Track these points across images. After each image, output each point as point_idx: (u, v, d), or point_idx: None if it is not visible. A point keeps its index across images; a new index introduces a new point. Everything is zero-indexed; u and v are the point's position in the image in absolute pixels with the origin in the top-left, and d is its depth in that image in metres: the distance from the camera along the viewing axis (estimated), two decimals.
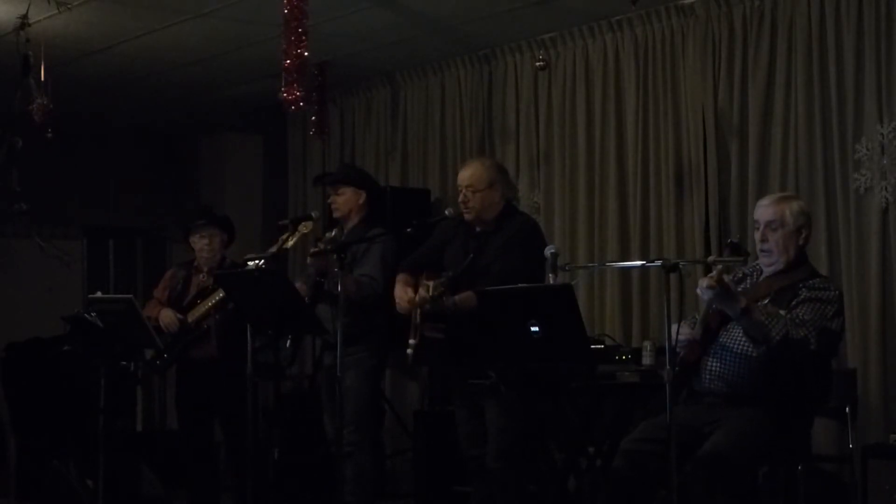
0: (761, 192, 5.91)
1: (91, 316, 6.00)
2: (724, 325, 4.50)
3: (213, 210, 6.76)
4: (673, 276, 4.21)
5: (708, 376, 4.51)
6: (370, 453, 5.85)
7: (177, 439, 6.64)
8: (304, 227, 5.79)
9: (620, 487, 4.53)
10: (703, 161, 6.49)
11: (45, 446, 7.28)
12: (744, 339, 4.41)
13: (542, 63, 6.98)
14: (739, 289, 4.48)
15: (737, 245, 4.46)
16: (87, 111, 8.71)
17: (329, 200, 6.08)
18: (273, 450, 7.17)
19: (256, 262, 5.47)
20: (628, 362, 5.98)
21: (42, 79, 6.35)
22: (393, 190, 7.78)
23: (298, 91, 5.89)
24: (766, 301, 4.45)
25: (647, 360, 6.01)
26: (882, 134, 5.80)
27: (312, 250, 5.71)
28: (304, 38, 5.81)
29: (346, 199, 5.97)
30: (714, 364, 4.50)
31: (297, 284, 5.75)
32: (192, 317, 6.29)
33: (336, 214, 6.00)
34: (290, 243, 5.83)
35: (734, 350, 4.45)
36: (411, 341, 5.23)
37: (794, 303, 4.40)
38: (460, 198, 5.33)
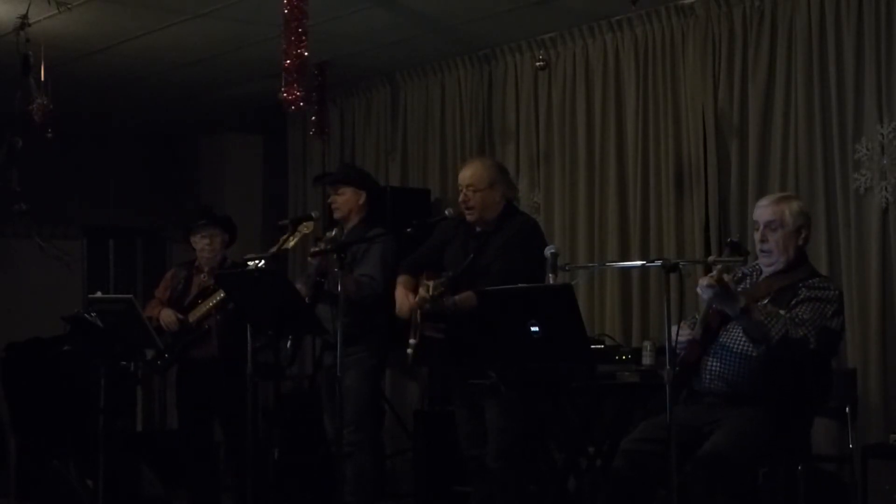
0: (761, 192, 5.91)
1: (91, 316, 6.00)
2: (724, 324, 4.50)
3: (213, 210, 6.76)
4: (673, 276, 4.21)
5: (708, 376, 4.51)
6: (370, 453, 5.85)
7: (177, 439, 6.64)
8: (305, 228, 5.79)
9: (620, 487, 4.53)
10: (703, 161, 6.49)
11: (45, 446, 7.28)
12: (744, 338, 4.41)
13: (542, 63, 6.98)
14: (739, 288, 4.48)
15: (737, 244, 4.46)
16: (87, 111, 8.71)
17: (329, 200, 6.08)
18: (273, 450, 7.16)
19: (256, 262, 5.48)
20: (628, 362, 5.98)
21: (42, 79, 6.34)
22: (393, 190, 7.78)
23: (298, 91, 5.89)
24: (766, 301, 4.45)
25: (647, 360, 6.01)
26: (882, 134, 5.80)
27: (313, 250, 5.72)
28: (304, 38, 5.81)
29: (346, 199, 5.97)
30: (714, 364, 4.50)
31: (297, 284, 5.75)
32: (193, 317, 6.29)
33: (336, 214, 6.00)
34: (291, 244, 5.83)
35: (734, 350, 4.45)
36: (411, 341, 5.23)
37: (793, 302, 4.40)
38: (461, 197, 5.33)
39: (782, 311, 4.35)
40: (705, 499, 4.26)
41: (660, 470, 4.34)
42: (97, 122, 9.22)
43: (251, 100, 8.51)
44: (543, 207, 7.24)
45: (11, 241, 9.02)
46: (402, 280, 5.43)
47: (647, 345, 6.09)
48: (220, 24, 6.78)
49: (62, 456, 6.94)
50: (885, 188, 5.79)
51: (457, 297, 5.12)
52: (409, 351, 5.24)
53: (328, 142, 8.54)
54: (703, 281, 4.30)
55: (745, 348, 4.41)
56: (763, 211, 4.56)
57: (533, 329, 4.43)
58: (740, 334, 4.42)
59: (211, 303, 6.25)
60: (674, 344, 4.32)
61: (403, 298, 5.32)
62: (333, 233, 5.73)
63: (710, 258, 4.85)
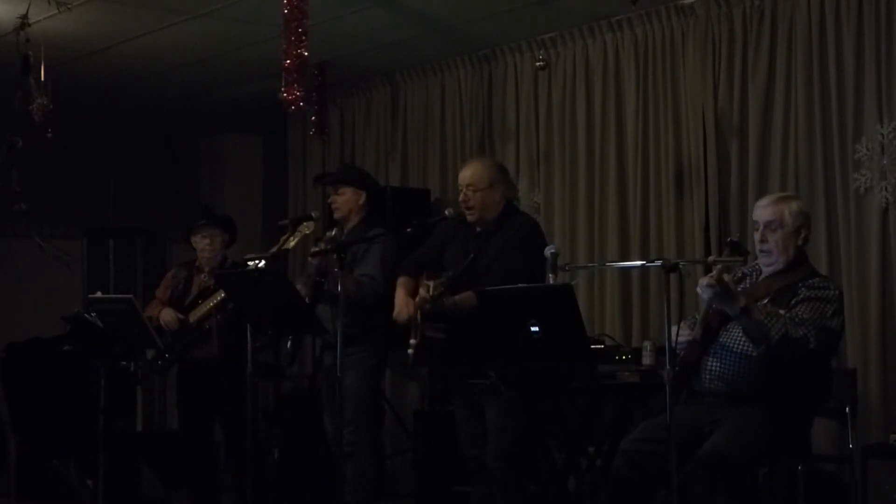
0: (761, 192, 5.91)
1: (91, 316, 6.00)
2: (724, 324, 4.50)
3: (213, 210, 6.76)
4: (673, 276, 4.21)
5: (708, 376, 4.51)
6: (370, 453, 5.85)
7: (177, 439, 6.64)
8: (306, 228, 5.79)
9: (620, 487, 4.53)
10: (703, 161, 6.49)
11: (45, 446, 7.28)
12: (744, 338, 4.41)
13: (542, 63, 6.98)
14: (739, 288, 4.48)
15: (736, 244, 4.46)
16: (87, 111, 8.71)
17: (329, 200, 6.08)
18: (273, 450, 7.17)
19: (256, 262, 5.48)
20: (628, 362, 5.98)
21: (42, 79, 6.34)
22: (393, 190, 7.78)
23: (298, 91, 5.89)
24: (766, 301, 4.45)
25: (647, 360, 6.01)
26: (882, 134, 5.80)
27: (313, 250, 5.72)
28: (304, 38, 5.81)
29: (346, 199, 5.97)
30: (714, 364, 4.50)
31: (297, 284, 5.75)
32: (193, 317, 6.29)
33: (336, 214, 6.00)
34: (292, 244, 5.83)
35: (734, 350, 4.45)
36: (412, 341, 5.23)
37: (793, 302, 4.40)
38: (461, 197, 5.33)
39: (782, 311, 4.35)
40: (705, 499, 4.26)
41: (660, 470, 4.34)
42: (97, 122, 9.22)
43: (251, 100, 8.51)
44: (543, 207, 7.24)
45: (11, 241, 9.02)
46: (402, 282, 5.43)
47: (647, 345, 6.10)
48: (220, 24, 6.78)
49: (62, 456, 6.94)
50: (885, 188, 5.79)
51: (457, 297, 5.12)
52: (410, 352, 5.24)
53: (328, 142, 8.54)
54: (703, 281, 4.30)
55: (745, 348, 4.41)
56: (763, 211, 4.56)
57: (533, 329, 4.43)
58: (740, 334, 4.42)
59: (211, 303, 6.25)
60: (674, 344, 4.32)
61: (403, 305, 5.31)
62: (333, 233, 5.73)
63: (710, 258, 4.85)
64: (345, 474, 5.75)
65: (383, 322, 5.72)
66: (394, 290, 5.46)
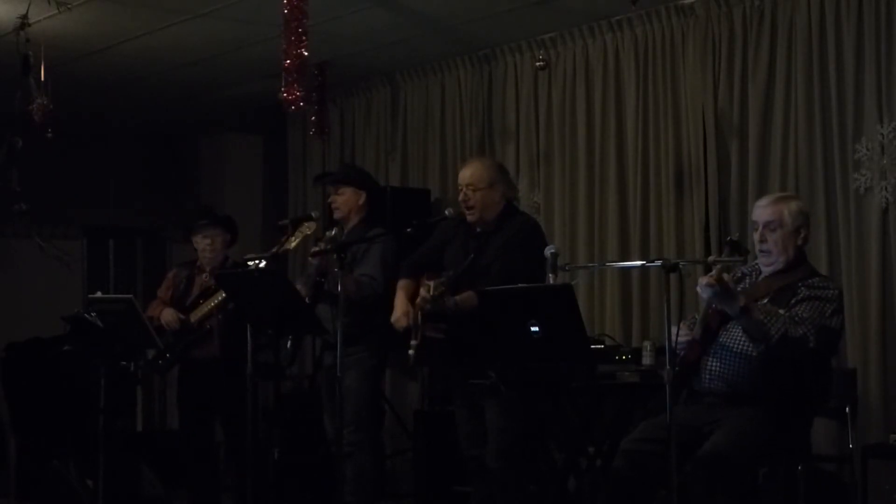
0: (761, 192, 5.91)
1: (91, 316, 6.00)
2: (723, 324, 4.50)
3: (214, 210, 6.76)
4: (673, 276, 4.21)
5: (708, 376, 4.51)
6: (370, 453, 5.85)
7: (177, 439, 6.64)
8: (307, 228, 5.79)
9: (620, 487, 4.53)
10: (703, 161, 6.49)
11: (45, 446, 7.28)
12: (743, 338, 4.41)
13: (542, 63, 6.98)
14: (739, 288, 4.48)
15: (736, 243, 4.46)
16: (87, 111, 8.71)
17: (329, 200, 6.08)
18: (273, 450, 7.16)
19: (256, 262, 5.48)
20: (628, 362, 5.98)
21: (42, 79, 6.34)
22: (393, 190, 7.78)
23: (298, 91, 5.89)
24: (766, 301, 4.45)
25: (647, 360, 6.01)
26: (882, 134, 5.80)
27: (313, 250, 5.72)
28: (304, 38, 5.81)
29: (346, 199, 5.97)
30: (714, 364, 4.50)
31: (297, 284, 5.75)
32: (194, 317, 6.29)
33: (336, 214, 6.00)
34: (293, 244, 5.83)
35: (734, 350, 4.45)
36: (413, 342, 5.23)
37: (793, 301, 4.40)
38: (461, 197, 5.33)
39: (782, 311, 4.35)
40: (705, 499, 4.26)
41: (660, 470, 4.34)
42: (97, 122, 9.22)
43: (251, 100, 8.51)
44: (543, 207, 7.24)
45: (11, 241, 9.02)
46: (402, 285, 5.42)
47: (647, 345, 6.10)
48: (220, 24, 6.78)
49: (62, 456, 6.93)
50: (885, 188, 5.79)
51: (458, 297, 5.12)
52: (411, 352, 5.24)
53: (328, 142, 8.54)
54: (703, 280, 4.30)
55: (745, 348, 4.41)
56: (762, 211, 4.56)
57: (533, 329, 4.43)
58: (740, 334, 4.42)
59: (212, 303, 6.25)
60: (674, 344, 4.32)
61: (402, 312, 5.31)
62: (333, 233, 5.72)
63: (710, 258, 4.86)
64: (345, 474, 5.75)
65: (383, 322, 5.72)
66: (394, 290, 5.46)
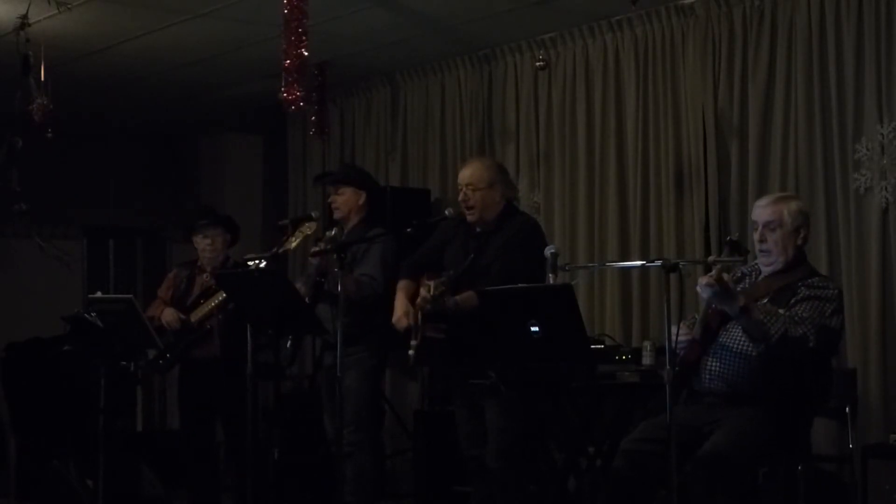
0: (761, 192, 5.91)
1: (91, 316, 6.00)
2: (723, 324, 4.50)
3: (215, 210, 6.76)
4: (673, 276, 4.21)
5: (708, 376, 4.51)
6: (370, 453, 5.85)
7: (177, 439, 6.64)
8: (308, 228, 5.79)
9: (620, 487, 4.53)
10: (703, 161, 6.49)
11: (45, 446, 7.28)
12: (743, 338, 4.41)
13: (542, 63, 6.98)
14: (738, 288, 4.48)
15: (736, 243, 4.45)
16: (87, 111, 8.71)
17: (329, 200, 6.08)
18: (273, 450, 7.16)
19: (257, 262, 5.48)
20: (628, 362, 5.98)
21: (42, 79, 6.34)
22: (393, 190, 7.78)
23: (298, 91, 5.89)
24: (766, 301, 4.45)
25: (647, 360, 6.01)
26: (882, 134, 5.80)
27: (313, 250, 5.72)
28: (304, 38, 5.81)
29: (346, 199, 5.97)
30: (714, 364, 4.50)
31: (297, 284, 5.75)
32: (195, 317, 6.29)
33: (336, 214, 6.00)
34: (294, 244, 5.82)
35: (734, 350, 4.45)
36: (413, 342, 5.23)
37: (792, 301, 4.40)
38: (460, 196, 5.33)
39: (781, 310, 4.35)
40: (705, 499, 4.26)
41: (660, 470, 4.34)
42: (97, 122, 9.22)
43: (251, 100, 8.51)
44: (543, 207, 7.24)
45: (11, 241, 9.02)
46: (402, 286, 5.42)
47: (647, 345, 6.10)
48: (220, 24, 6.78)
49: (62, 456, 6.93)
50: (885, 188, 5.79)
51: (458, 297, 5.12)
52: (411, 353, 5.24)
53: (328, 142, 8.54)
54: (703, 280, 4.31)
55: (745, 348, 4.41)
56: (761, 211, 4.56)
57: (533, 329, 4.43)
58: (740, 334, 4.42)
59: (213, 303, 6.25)
60: (674, 344, 4.32)
61: (402, 313, 5.30)
62: (333, 233, 5.72)
63: (710, 258, 4.85)
64: (345, 474, 5.75)
65: (383, 322, 5.72)
66: (394, 290, 5.46)
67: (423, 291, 5.21)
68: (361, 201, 5.98)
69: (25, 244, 8.84)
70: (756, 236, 4.55)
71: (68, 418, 7.74)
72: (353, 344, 5.61)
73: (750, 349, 4.39)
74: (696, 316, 4.65)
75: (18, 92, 6.36)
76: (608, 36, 6.96)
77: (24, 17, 6.27)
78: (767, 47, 6.25)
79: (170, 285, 6.56)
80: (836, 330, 4.42)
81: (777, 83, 6.21)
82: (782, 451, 4.50)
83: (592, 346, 5.78)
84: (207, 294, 6.31)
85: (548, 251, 4.67)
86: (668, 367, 4.18)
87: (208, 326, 6.28)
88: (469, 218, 5.33)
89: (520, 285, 4.74)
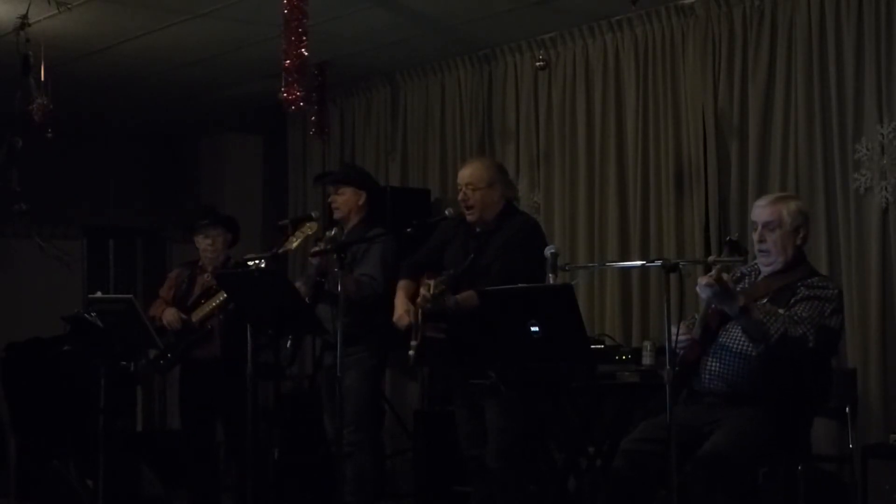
0: (761, 192, 5.91)
1: (91, 316, 6.00)
2: (723, 324, 4.50)
3: (216, 210, 6.76)
4: (673, 276, 4.21)
5: (707, 376, 4.51)
6: (370, 453, 5.85)
7: (177, 439, 6.64)
8: (308, 229, 5.79)
9: (620, 487, 4.53)
10: (703, 161, 6.49)
11: (45, 446, 7.28)
12: (743, 338, 4.41)
13: (542, 63, 6.98)
14: (738, 288, 4.48)
15: (736, 243, 4.45)
16: (87, 111, 8.71)
17: (329, 200, 6.08)
18: (273, 450, 7.17)
19: (257, 262, 5.48)
20: (628, 362, 5.98)
21: (42, 79, 6.34)
22: (393, 190, 7.78)
23: (298, 91, 5.89)
24: (765, 301, 4.45)
25: (647, 360, 6.01)
26: (882, 134, 5.80)
27: (313, 250, 5.72)
28: (304, 38, 5.81)
29: (346, 199, 5.97)
30: (714, 364, 4.50)
31: (297, 284, 5.75)
32: (196, 317, 6.29)
33: (336, 214, 6.00)
34: (294, 244, 5.82)
35: (734, 350, 4.45)
36: (413, 342, 5.23)
37: (792, 301, 4.40)
38: (460, 196, 5.33)
39: (781, 310, 4.35)
40: (705, 499, 4.26)
41: (660, 470, 4.34)
42: (97, 122, 9.22)
43: (251, 100, 8.51)
44: (543, 207, 7.24)
45: (11, 241, 9.02)
46: (402, 286, 5.42)
47: (647, 345, 6.10)
48: (220, 24, 6.78)
49: (62, 456, 6.93)
50: (885, 188, 5.79)
51: (459, 297, 5.12)
52: (411, 353, 5.24)
53: (328, 142, 8.54)
54: (703, 280, 4.31)
55: (745, 348, 4.41)
56: (761, 211, 4.56)
57: (533, 329, 4.43)
58: (740, 334, 4.42)
59: (214, 303, 6.25)
60: (674, 344, 4.32)
61: (403, 311, 5.30)
62: (333, 233, 5.72)
63: (710, 258, 4.86)
64: (345, 474, 5.75)
65: (383, 322, 5.72)
66: (394, 290, 5.46)
67: (423, 290, 5.21)
68: (361, 201, 5.98)
69: (25, 244, 8.84)
70: (755, 236, 4.55)
71: (68, 418, 7.73)
72: (353, 344, 5.61)
73: (750, 349, 4.39)
74: (696, 316, 4.65)
75: (18, 92, 6.36)
76: (608, 36, 6.96)
77: (24, 17, 6.27)
78: (767, 47, 6.25)
79: (171, 285, 6.56)
80: (835, 330, 4.42)
81: (777, 83, 6.21)
82: (782, 451, 4.50)
83: (592, 346, 5.78)
84: (208, 294, 6.31)
85: (548, 251, 4.67)
86: (668, 367, 4.18)
87: (209, 326, 6.28)
88: (469, 218, 5.33)
89: (520, 285, 4.74)
